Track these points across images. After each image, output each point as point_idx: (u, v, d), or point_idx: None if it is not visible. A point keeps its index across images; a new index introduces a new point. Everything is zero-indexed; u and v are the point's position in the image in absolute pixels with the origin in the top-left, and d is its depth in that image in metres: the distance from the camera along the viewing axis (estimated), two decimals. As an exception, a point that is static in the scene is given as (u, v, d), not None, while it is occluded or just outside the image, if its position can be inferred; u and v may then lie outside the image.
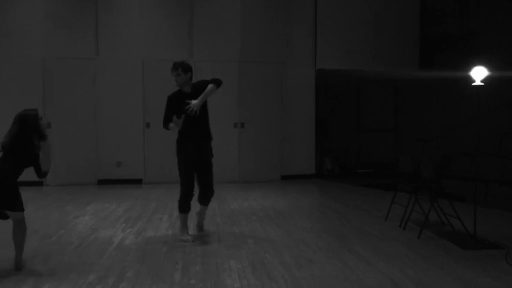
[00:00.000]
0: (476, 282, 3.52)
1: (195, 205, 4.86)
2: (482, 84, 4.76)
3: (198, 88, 4.68)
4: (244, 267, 3.84)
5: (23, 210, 3.75)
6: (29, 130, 3.77)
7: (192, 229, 4.94)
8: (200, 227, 5.06)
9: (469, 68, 4.91)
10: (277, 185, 8.55)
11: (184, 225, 4.72)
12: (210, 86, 4.66)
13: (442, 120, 9.63)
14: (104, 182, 8.43)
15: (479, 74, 4.61)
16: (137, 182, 8.55)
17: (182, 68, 4.70)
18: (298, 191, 7.93)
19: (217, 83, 4.73)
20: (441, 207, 5.07)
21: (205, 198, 4.90)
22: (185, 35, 8.72)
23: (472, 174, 5.57)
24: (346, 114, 11.37)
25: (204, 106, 4.72)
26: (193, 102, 4.53)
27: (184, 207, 4.68)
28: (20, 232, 3.71)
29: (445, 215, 5.07)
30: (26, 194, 7.40)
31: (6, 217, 3.72)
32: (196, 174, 4.82)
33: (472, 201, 4.65)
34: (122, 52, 8.51)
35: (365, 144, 11.29)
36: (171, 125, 4.59)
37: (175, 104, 4.68)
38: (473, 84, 4.68)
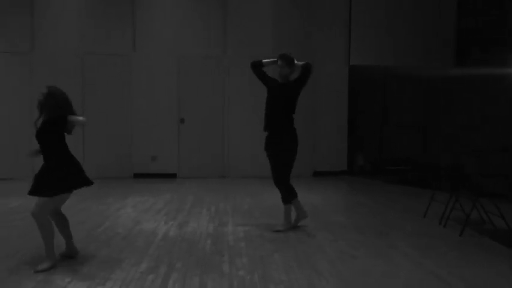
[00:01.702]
0: (525, 280, 3.51)
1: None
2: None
3: (293, 83, 4.99)
4: (289, 261, 3.91)
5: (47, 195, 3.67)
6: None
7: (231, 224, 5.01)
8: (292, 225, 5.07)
9: (510, 65, 4.85)
10: (309, 181, 8.58)
11: (289, 216, 4.99)
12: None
13: (475, 117, 9.50)
14: (139, 176, 8.62)
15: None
16: (171, 176, 8.71)
17: (288, 61, 5.01)
18: (331, 187, 7.96)
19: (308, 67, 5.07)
20: (482, 205, 5.04)
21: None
22: (219, 32, 8.81)
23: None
24: (377, 110, 11.31)
25: (294, 99, 5.00)
26: None
27: (293, 194, 4.95)
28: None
29: (486, 212, 5.03)
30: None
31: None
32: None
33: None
34: (158, 48, 8.66)
35: (395, 141, 11.21)
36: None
37: (271, 83, 5.08)
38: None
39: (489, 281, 3.50)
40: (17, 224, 5.09)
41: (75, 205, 6.08)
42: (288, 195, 4.98)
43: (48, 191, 3.60)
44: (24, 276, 3.45)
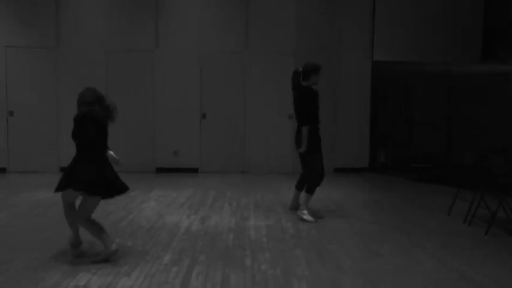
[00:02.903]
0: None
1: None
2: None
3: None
4: (311, 256, 3.91)
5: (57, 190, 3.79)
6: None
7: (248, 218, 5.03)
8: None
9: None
10: (330, 177, 8.50)
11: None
12: None
13: (501, 115, 9.31)
14: (161, 170, 8.71)
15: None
16: (193, 171, 8.77)
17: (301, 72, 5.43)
18: (353, 183, 7.91)
19: None
20: (509, 204, 4.94)
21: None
22: (241, 29, 8.81)
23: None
24: (400, 107, 11.17)
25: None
26: None
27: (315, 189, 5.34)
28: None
29: (512, 211, 4.94)
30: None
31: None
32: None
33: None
34: (180, 44, 8.72)
35: (419, 138, 11.07)
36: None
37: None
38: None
39: (516, 281, 3.44)
40: (44, 215, 5.21)
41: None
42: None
43: (74, 184, 3.65)
44: (49, 268, 3.53)
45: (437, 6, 9.06)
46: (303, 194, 5.34)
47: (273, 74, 8.85)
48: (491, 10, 9.33)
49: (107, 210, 5.46)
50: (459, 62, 9.30)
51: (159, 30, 8.70)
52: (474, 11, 9.20)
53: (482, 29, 9.23)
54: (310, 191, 5.28)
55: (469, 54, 9.23)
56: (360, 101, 9.19)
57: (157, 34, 8.70)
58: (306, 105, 5.24)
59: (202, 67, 8.78)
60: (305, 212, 5.18)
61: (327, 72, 9.00)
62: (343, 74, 9.00)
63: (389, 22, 8.98)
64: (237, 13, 8.79)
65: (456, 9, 9.10)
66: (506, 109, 9.20)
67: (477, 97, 10.29)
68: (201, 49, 8.76)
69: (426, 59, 9.13)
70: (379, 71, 9.49)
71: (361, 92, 9.19)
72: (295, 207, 5.57)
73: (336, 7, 8.94)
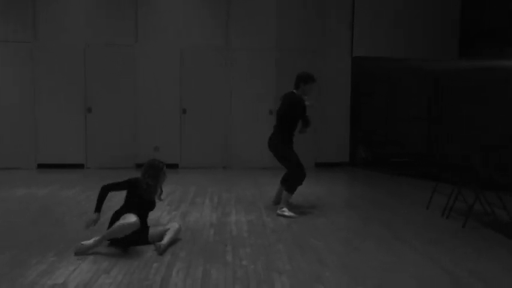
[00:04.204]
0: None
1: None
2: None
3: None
4: (293, 251, 3.91)
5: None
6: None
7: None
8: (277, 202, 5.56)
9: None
10: (311, 171, 8.53)
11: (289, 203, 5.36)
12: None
13: (480, 110, 9.47)
14: (142, 166, 8.59)
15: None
16: (173, 166, 8.71)
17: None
18: (334, 178, 7.95)
19: None
20: (485, 197, 5.03)
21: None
22: (222, 23, 8.77)
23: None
24: (380, 103, 11.27)
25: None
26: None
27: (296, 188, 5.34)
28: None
29: (489, 204, 5.03)
30: (70, 176, 7.66)
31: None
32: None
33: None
34: (160, 39, 8.62)
35: (400, 133, 11.19)
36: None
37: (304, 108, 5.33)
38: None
39: (495, 272, 3.49)
40: (24, 212, 5.11)
41: (80, 194, 6.11)
42: None
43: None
44: (27, 266, 3.46)
45: (416, 2, 9.16)
46: (284, 192, 5.34)
47: (254, 70, 8.84)
48: (468, 5, 9.45)
49: (87, 206, 5.38)
50: (439, 57, 9.41)
51: (139, 25, 8.58)
52: (452, 7, 9.32)
53: (460, 25, 9.36)
54: (290, 190, 5.27)
55: (448, 50, 9.36)
56: (340, 97, 9.25)
57: (137, 28, 8.59)
58: (289, 112, 5.31)
59: (183, 62, 8.70)
60: (284, 209, 5.17)
61: (309, 68, 9.02)
62: (324, 69, 9.03)
63: (369, 18, 9.05)
64: (219, 8, 8.74)
65: (435, 5, 9.21)
66: (487, 106, 9.34)
67: (459, 93, 10.44)
68: (182, 44, 8.68)
69: (407, 54, 9.22)
70: (362, 67, 9.55)
71: (342, 87, 9.25)
72: (278, 202, 5.57)
73: (316, 3, 8.96)
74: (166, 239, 3.90)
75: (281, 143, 5.33)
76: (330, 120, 9.19)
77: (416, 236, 4.41)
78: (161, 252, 3.75)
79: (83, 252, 3.69)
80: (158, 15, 8.61)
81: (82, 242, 3.74)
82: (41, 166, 8.40)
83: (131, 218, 3.76)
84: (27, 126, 8.38)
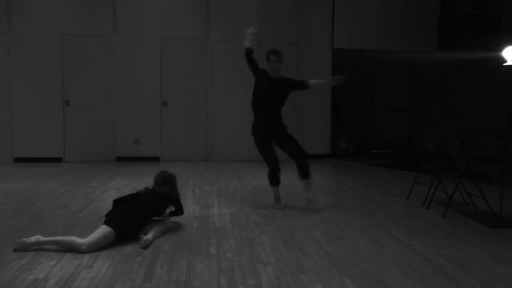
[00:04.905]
0: None
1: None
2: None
3: (285, 81, 5.13)
4: (276, 242, 3.92)
5: None
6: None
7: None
8: (310, 200, 5.31)
9: (493, 49, 4.91)
10: (293, 163, 8.58)
11: (276, 197, 5.17)
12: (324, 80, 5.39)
13: (459, 101, 9.64)
14: (121, 159, 8.52)
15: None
16: (154, 159, 8.63)
17: (282, 57, 5.15)
18: (315, 170, 7.90)
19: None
20: (464, 187, 5.12)
21: (300, 171, 5.21)
22: (202, 14, 8.68)
23: (495, 155, 5.61)
24: (360, 94, 11.38)
25: (283, 95, 5.08)
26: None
27: (272, 180, 5.15)
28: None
29: (469, 194, 5.13)
30: (48, 169, 7.53)
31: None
32: (285, 151, 5.22)
33: (496, 183, 4.70)
34: (139, 30, 8.49)
35: (379, 125, 11.33)
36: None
37: (261, 76, 5.09)
38: (504, 64, 4.68)
39: (475, 260, 3.56)
40: (1, 206, 5.00)
41: (59, 188, 6.00)
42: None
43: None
44: (6, 261, 3.38)
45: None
46: (305, 182, 5.22)
47: (236, 62, 8.76)
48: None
49: (67, 200, 5.29)
50: (419, 49, 9.52)
51: (118, 15, 8.43)
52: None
53: (439, 17, 9.47)
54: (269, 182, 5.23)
55: (427, 42, 9.46)
56: (322, 89, 9.26)
57: (116, 19, 8.43)
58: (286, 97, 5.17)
59: (162, 54, 8.60)
60: (276, 206, 5.16)
61: (289, 60, 9.02)
62: (305, 61, 9.04)
63: (350, 10, 9.07)
64: (198, -2, 8.65)
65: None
66: (466, 95, 9.50)
67: (438, 84, 10.60)
68: (162, 35, 8.57)
69: (387, 47, 9.30)
70: (342, 59, 9.59)
71: (323, 79, 9.25)
72: (310, 197, 5.37)
73: (297, -6, 8.94)
74: (151, 234, 3.86)
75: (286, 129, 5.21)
76: (311, 112, 9.22)
77: (397, 226, 4.46)
78: (146, 246, 3.71)
79: (24, 249, 3.56)
80: (137, 5, 8.47)
81: (23, 239, 3.61)
82: (17, 160, 8.21)
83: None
84: (2, 119, 8.17)
